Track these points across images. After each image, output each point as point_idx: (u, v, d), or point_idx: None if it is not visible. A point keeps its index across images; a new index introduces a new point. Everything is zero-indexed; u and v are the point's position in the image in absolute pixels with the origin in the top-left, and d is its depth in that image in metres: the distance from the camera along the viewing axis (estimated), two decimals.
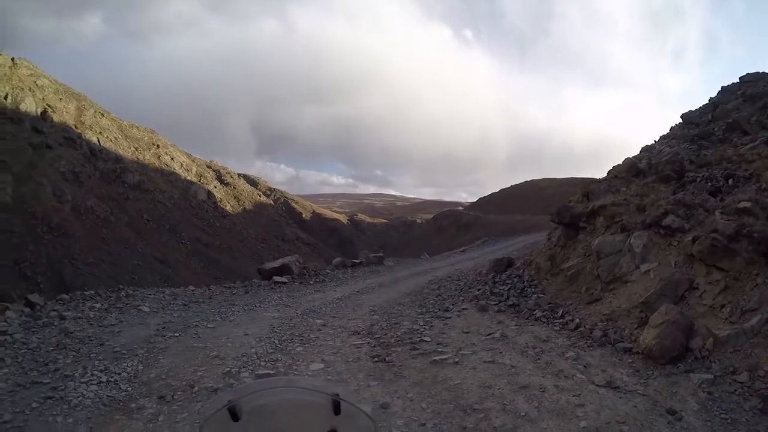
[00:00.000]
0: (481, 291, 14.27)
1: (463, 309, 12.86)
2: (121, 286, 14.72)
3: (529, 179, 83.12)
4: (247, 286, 16.57)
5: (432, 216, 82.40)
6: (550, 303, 12.56)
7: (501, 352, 9.55)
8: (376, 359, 9.24)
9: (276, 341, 10.11)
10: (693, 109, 23.53)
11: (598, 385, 8.13)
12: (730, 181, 13.03)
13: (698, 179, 13.80)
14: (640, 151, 20.41)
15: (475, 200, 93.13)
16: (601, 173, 17.84)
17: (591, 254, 12.98)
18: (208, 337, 10.25)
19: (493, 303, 13.14)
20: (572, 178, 75.10)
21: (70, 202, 38.38)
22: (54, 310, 11.35)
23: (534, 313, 12.16)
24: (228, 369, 8.62)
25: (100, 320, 11.04)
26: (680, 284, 10.34)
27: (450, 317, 12.18)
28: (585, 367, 8.94)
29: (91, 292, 13.60)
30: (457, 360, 9.19)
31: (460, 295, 14.31)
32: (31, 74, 44.16)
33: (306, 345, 10.03)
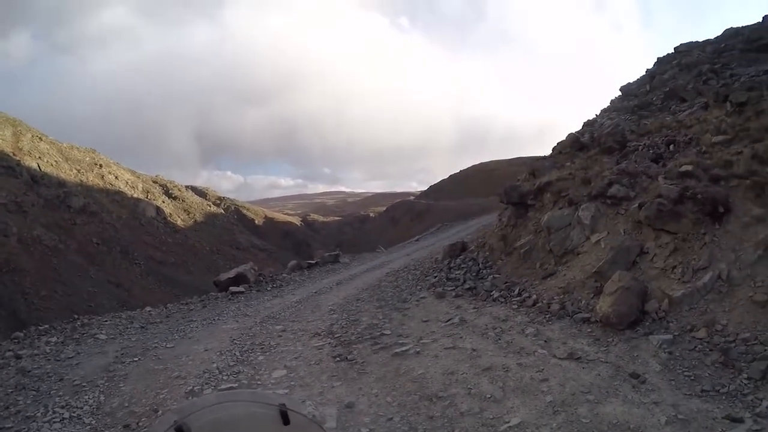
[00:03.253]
0: (437, 278, 14.25)
1: (422, 298, 12.87)
2: (76, 316, 14.29)
3: (477, 162, 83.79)
4: (204, 299, 16.27)
5: (385, 208, 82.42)
6: (506, 282, 12.66)
7: (461, 337, 9.61)
8: (338, 359, 9.19)
9: (237, 353, 9.96)
10: (631, 81, 24.34)
11: (560, 358, 8.25)
12: (671, 147, 13.37)
13: (640, 148, 14.11)
14: (583, 126, 20.97)
15: (426, 188, 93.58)
16: (547, 151, 18.03)
17: (542, 230, 13.11)
18: (168, 358, 10.04)
19: (450, 289, 13.18)
20: (520, 157, 74.73)
21: (16, 234, 37.39)
22: (9, 350, 11.01)
23: (491, 294, 12.23)
24: (190, 388, 8.45)
25: (57, 354, 10.72)
26: (631, 250, 10.54)
27: (408, 308, 12.19)
28: (546, 341, 9.05)
29: (46, 326, 13.23)
30: (418, 350, 9.21)
31: (417, 285, 14.31)
32: None
33: (267, 353, 9.91)
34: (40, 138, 49.39)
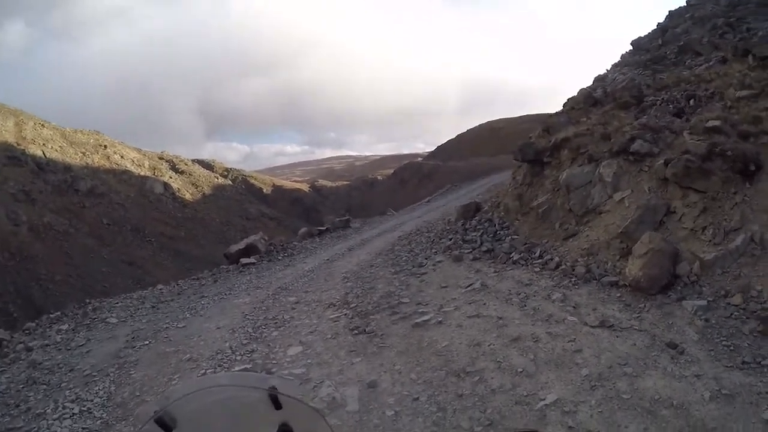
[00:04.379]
0: (452, 240, 13.72)
1: (438, 262, 12.38)
2: (88, 300, 13.93)
3: (485, 121, 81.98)
4: (215, 273, 15.88)
5: (393, 171, 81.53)
6: (525, 243, 12.12)
7: (484, 304, 9.13)
8: (355, 332, 8.74)
9: (250, 330, 9.56)
10: (642, 35, 23.23)
11: (591, 326, 7.77)
12: (691, 101, 12.68)
13: (659, 102, 13.45)
14: (593, 81, 20.10)
15: (433, 149, 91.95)
16: (556, 109, 17.36)
17: (560, 189, 12.52)
18: (179, 339, 9.64)
19: (466, 251, 12.69)
20: (528, 115, 73.51)
21: (26, 223, 36.95)
22: (20, 343, 10.65)
23: (511, 256, 11.73)
24: (203, 371, 8.06)
25: (68, 343, 10.35)
26: (657, 210, 9.98)
27: (425, 273, 11.69)
28: (574, 307, 8.58)
29: (57, 313, 12.93)
30: (440, 319, 8.70)
31: (432, 248, 13.83)
32: None
33: (281, 328, 9.50)
34: (42, 125, 48.45)
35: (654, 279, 8.50)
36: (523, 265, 11.14)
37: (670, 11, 23.41)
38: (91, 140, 52.87)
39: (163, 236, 46.85)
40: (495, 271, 10.96)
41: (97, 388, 8.00)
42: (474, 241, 13.23)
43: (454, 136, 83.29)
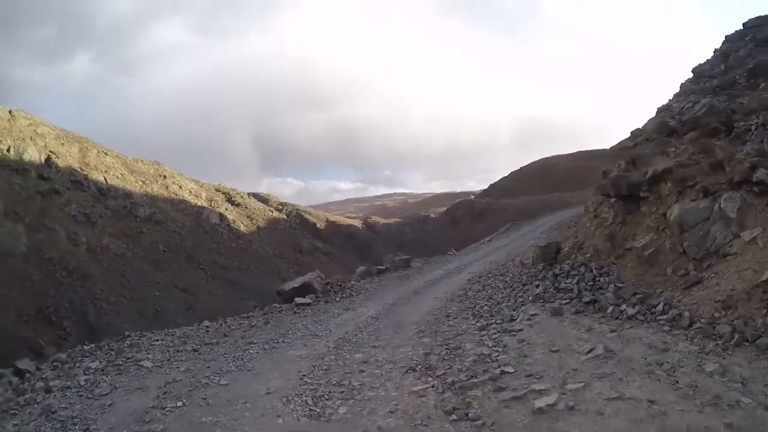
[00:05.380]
0: (541, 288, 11.44)
1: (533, 315, 9.98)
2: (128, 333, 12.48)
3: (538, 159, 79.23)
4: (267, 313, 13.95)
5: (445, 209, 79.05)
6: (635, 294, 9.72)
7: (621, 379, 6.61)
8: (453, 416, 6.28)
9: (309, 400, 7.29)
10: (702, 63, 22.09)
11: None
12: None
13: (753, 128, 11.71)
14: (657, 112, 18.87)
15: (486, 187, 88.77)
16: (606, 144, 15.57)
17: (665, 228, 10.42)
18: (219, 404, 7.47)
19: (564, 302, 10.35)
20: (581, 151, 72.32)
21: (85, 244, 36.69)
22: (42, 379, 9.29)
23: (622, 309, 9.33)
24: None
25: (92, 389, 8.60)
26: None
27: (521, 330, 9.29)
28: (742, 383, 6.13)
29: (92, 345, 11.48)
30: (570, 403, 6.16)
31: (516, 296, 11.58)
32: (30, 123, 42.50)
33: (350, 402, 7.15)
34: (105, 153, 48.80)
35: None
36: (642, 321, 8.74)
37: (726, 36, 22.50)
38: (152, 170, 53.13)
39: (217, 265, 45.94)
40: (612, 330, 8.46)
41: None
42: (569, 289, 10.88)
43: (507, 174, 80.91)
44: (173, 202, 50.98)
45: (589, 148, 71.27)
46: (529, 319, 9.70)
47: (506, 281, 13.18)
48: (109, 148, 50.98)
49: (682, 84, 21.58)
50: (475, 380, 7.12)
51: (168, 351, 10.53)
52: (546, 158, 76.05)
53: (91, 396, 8.26)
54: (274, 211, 68.03)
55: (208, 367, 9.18)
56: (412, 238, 67.13)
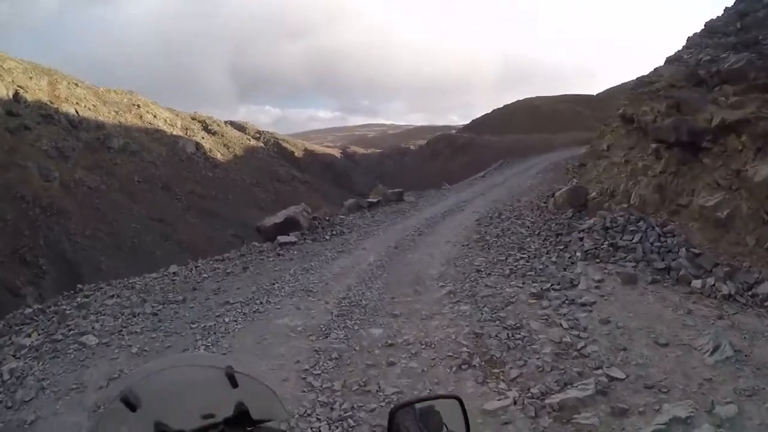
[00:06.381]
0: (589, 242, 9.22)
1: (598, 281, 7.65)
2: (80, 287, 10.30)
3: (522, 98, 75.54)
4: (246, 255, 11.53)
5: (425, 141, 75.95)
6: (717, 264, 7.79)
7: None
8: None
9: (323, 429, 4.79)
10: (714, 18, 20.14)
11: None
12: None
13: None
14: (666, 62, 17.73)
15: (467, 122, 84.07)
16: (597, 90, 13.50)
17: (742, 188, 8.71)
18: None
19: (628, 263, 8.18)
20: (567, 94, 69.41)
21: (58, 179, 35.04)
22: None
23: (712, 285, 7.25)
24: None
25: (14, 390, 6.28)
26: None
27: (593, 301, 7.07)
28: None
29: (35, 308, 9.44)
30: None
31: (555, 249, 9.50)
32: None
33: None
34: (76, 84, 45.91)
35: None
36: (745, 305, 6.83)
37: None
38: (125, 99, 50.28)
39: (193, 195, 44.16)
40: (719, 316, 6.44)
41: None
42: (631, 249, 8.71)
43: (489, 111, 76.89)
44: (148, 132, 48.36)
45: (573, 92, 69.07)
46: (597, 287, 7.49)
47: (528, 226, 11.25)
48: (80, 79, 48.09)
49: (689, 37, 19.86)
50: (577, 393, 4.56)
51: (121, 315, 8.19)
52: (530, 98, 72.15)
53: (10, 405, 5.93)
54: (251, 139, 65.20)
55: (168, 346, 6.61)
56: (392, 170, 64.51)
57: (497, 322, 6.67)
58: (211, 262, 11.20)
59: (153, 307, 8.29)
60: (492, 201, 15.10)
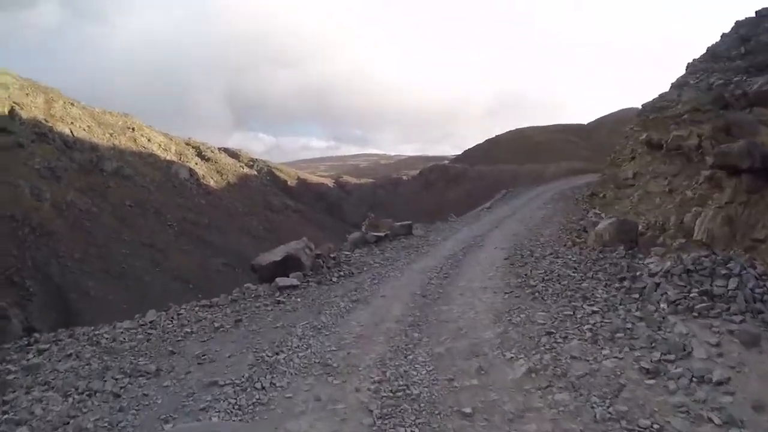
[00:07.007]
0: (673, 289, 7.12)
1: (714, 346, 5.72)
2: (36, 337, 8.41)
3: (512, 128, 74.21)
4: (239, 301, 9.36)
5: (418, 171, 74.40)
6: None
7: None
8: None
9: None
10: (716, 43, 20.39)
11: None
12: None
13: None
14: (671, 87, 17.89)
15: (459, 153, 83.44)
16: (588, 120, 12.46)
17: None
18: None
19: (735, 318, 6.21)
20: (559, 124, 69.20)
21: (49, 200, 33.55)
22: None
23: None
24: None
25: None
26: None
27: (728, 377, 5.09)
28: None
29: None
30: None
31: (628, 296, 7.45)
32: None
33: None
34: (72, 104, 44.41)
35: None
36: None
37: (737, 21, 20.94)
38: (120, 122, 48.79)
39: (186, 221, 42.12)
40: None
41: None
42: (731, 297, 6.67)
43: (481, 141, 76.08)
44: (141, 156, 46.82)
45: (565, 122, 69.13)
46: (719, 355, 5.23)
47: (574, 267, 9.50)
48: (77, 98, 46.72)
49: (689, 63, 19.96)
50: None
51: (73, 392, 6.17)
52: (520, 129, 71.68)
53: None
54: (244, 167, 63.63)
55: None
56: (385, 200, 62.79)
57: (623, 422, 4.70)
58: (196, 308, 9.10)
59: (115, 381, 6.25)
60: (512, 235, 13.48)
